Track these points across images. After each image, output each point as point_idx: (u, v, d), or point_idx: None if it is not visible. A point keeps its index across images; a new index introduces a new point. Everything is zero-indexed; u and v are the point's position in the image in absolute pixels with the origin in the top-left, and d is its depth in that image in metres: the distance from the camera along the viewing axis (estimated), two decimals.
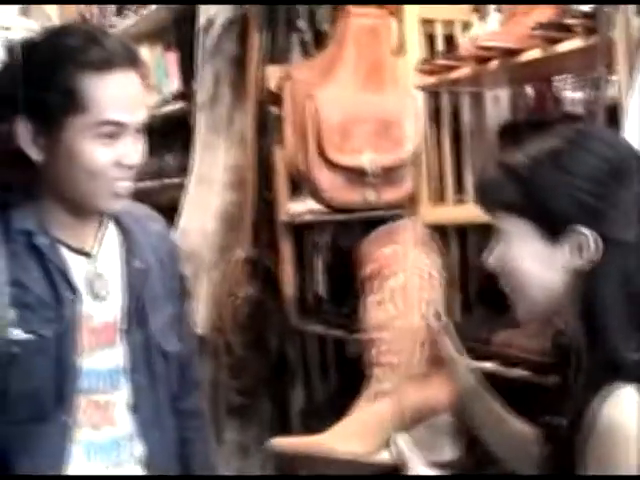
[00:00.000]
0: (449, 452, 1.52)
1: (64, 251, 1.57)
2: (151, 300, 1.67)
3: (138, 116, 1.54)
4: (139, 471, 1.65)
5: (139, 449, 1.65)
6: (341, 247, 3.38)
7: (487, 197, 1.39)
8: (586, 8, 1.95)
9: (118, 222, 1.67)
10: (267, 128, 3.15)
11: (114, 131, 1.51)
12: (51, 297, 1.53)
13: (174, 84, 3.95)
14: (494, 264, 1.38)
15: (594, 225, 1.27)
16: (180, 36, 3.87)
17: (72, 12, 4.65)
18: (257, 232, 3.20)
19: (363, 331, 1.62)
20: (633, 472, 1.17)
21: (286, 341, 3.19)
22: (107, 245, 1.64)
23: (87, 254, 1.61)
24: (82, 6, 4.63)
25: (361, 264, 1.66)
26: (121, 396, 1.62)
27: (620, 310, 1.25)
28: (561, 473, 1.30)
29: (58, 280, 1.54)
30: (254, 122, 3.15)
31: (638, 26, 1.85)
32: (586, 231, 1.27)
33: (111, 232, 1.66)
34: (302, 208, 3.08)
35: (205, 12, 3.39)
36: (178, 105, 3.81)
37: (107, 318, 1.61)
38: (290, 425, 3.20)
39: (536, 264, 1.31)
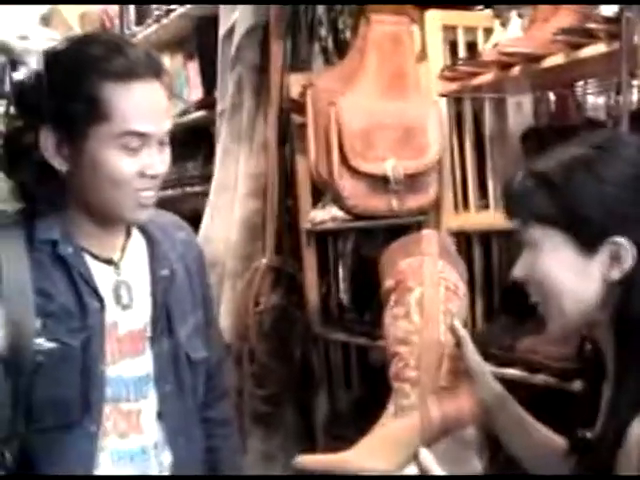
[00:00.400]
0: (475, 465, 1.50)
1: (89, 260, 1.58)
2: (178, 308, 1.68)
3: (162, 126, 1.54)
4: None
5: (167, 457, 1.66)
6: (364, 254, 3.39)
7: (518, 207, 1.34)
8: (609, 13, 1.94)
9: (143, 231, 1.67)
10: (289, 136, 3.16)
11: (138, 142, 1.51)
12: (76, 306, 1.54)
13: (196, 93, 3.96)
14: (524, 275, 1.34)
15: (629, 234, 1.23)
16: (201, 45, 3.88)
17: (93, 20, 4.68)
18: (280, 240, 3.21)
19: (385, 344, 1.60)
20: None
21: (310, 349, 3.19)
22: (132, 253, 1.65)
23: (113, 263, 1.61)
24: (103, 15, 4.65)
25: (382, 276, 1.64)
26: (148, 404, 1.63)
27: None
28: None
29: (83, 289, 1.55)
30: (276, 130, 3.15)
31: None
32: (622, 240, 1.23)
33: (136, 240, 1.67)
34: (325, 216, 3.08)
35: (226, 20, 3.41)
36: (200, 114, 3.82)
37: (133, 326, 1.62)
38: (314, 433, 3.20)
39: (570, 275, 1.27)
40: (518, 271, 1.35)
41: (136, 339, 1.62)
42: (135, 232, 1.67)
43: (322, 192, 3.09)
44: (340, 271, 3.39)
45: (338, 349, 3.34)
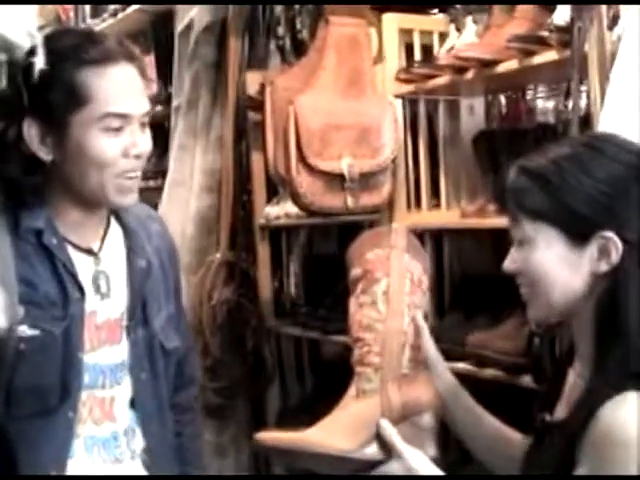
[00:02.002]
0: (431, 449, 1.54)
1: (71, 250, 1.61)
2: (153, 299, 1.71)
3: (142, 107, 1.57)
4: (138, 466, 1.69)
5: (139, 444, 1.69)
6: (317, 250, 3.44)
7: (511, 203, 1.38)
8: (561, 22, 2.02)
9: (121, 221, 1.71)
10: (245, 133, 3.20)
11: (119, 123, 1.54)
12: (58, 295, 1.57)
13: (151, 88, 3.97)
14: (516, 268, 1.39)
15: (616, 228, 1.28)
16: (157, 40, 3.89)
17: (49, 12, 4.64)
18: (234, 235, 3.24)
19: (348, 330, 1.64)
20: (631, 472, 1.18)
21: (262, 343, 3.23)
22: (111, 244, 1.68)
23: (92, 253, 1.64)
24: (59, 8, 4.63)
25: (350, 264, 1.68)
26: (122, 391, 1.66)
27: (638, 314, 1.27)
28: (544, 469, 1.33)
29: (65, 278, 1.58)
30: (233, 127, 3.18)
31: (611, 40, 1.92)
32: (611, 235, 1.29)
33: (115, 231, 1.70)
34: (279, 212, 3.13)
35: (183, 16, 3.43)
36: (155, 108, 3.83)
37: (111, 315, 1.65)
38: (266, 426, 3.24)
39: (562, 269, 1.32)
40: (509, 265, 1.40)
41: (113, 328, 1.65)
42: (113, 222, 1.70)
43: (277, 188, 3.14)
44: (293, 267, 3.44)
45: (290, 343, 3.38)
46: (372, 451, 1.49)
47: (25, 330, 1.53)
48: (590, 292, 1.32)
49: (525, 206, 1.35)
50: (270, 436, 1.52)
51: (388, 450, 1.47)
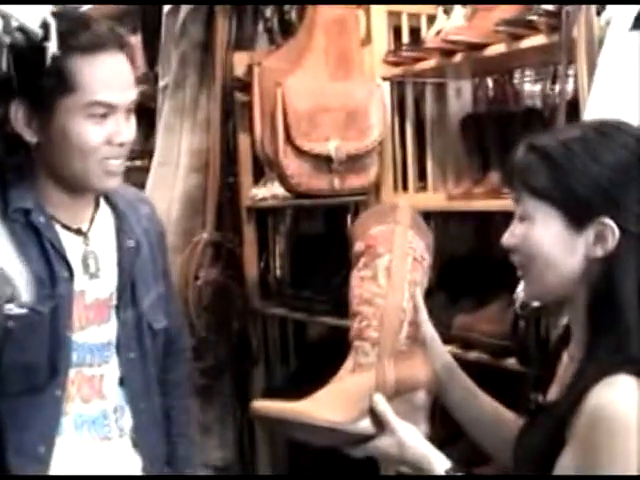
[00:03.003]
0: (422, 428, 1.55)
1: (59, 229, 1.62)
2: (141, 279, 1.73)
3: (128, 96, 1.58)
4: (126, 443, 1.71)
5: (127, 422, 1.71)
6: (303, 231, 3.45)
7: (516, 179, 1.39)
8: (549, 6, 2.03)
9: (110, 203, 1.72)
10: (233, 114, 3.19)
11: (104, 111, 1.55)
12: (46, 274, 1.58)
13: (138, 67, 3.96)
14: (514, 243, 1.39)
15: (616, 216, 1.29)
16: (145, 19, 3.87)
17: None
18: (221, 216, 3.24)
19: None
20: (617, 454, 1.20)
21: (248, 323, 3.24)
22: (100, 224, 1.69)
23: (81, 233, 1.66)
24: None
25: (353, 238, 1.67)
26: (110, 369, 1.68)
27: (632, 300, 1.28)
28: (533, 448, 1.35)
29: (54, 258, 1.59)
30: (220, 107, 3.18)
31: (599, 25, 1.93)
32: (609, 222, 1.29)
33: (104, 212, 1.71)
34: (265, 193, 3.13)
35: None
36: (141, 88, 3.81)
37: (100, 295, 1.67)
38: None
39: (558, 250, 1.33)
40: (508, 239, 1.41)
41: (102, 307, 1.67)
42: (102, 204, 1.71)
43: (263, 169, 3.14)
44: (279, 247, 3.45)
45: (276, 324, 3.40)
46: (365, 425, 1.50)
47: (13, 308, 1.54)
48: (584, 275, 1.33)
49: (529, 183, 1.35)
50: (264, 405, 1.52)
51: (381, 425, 1.49)
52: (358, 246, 1.65)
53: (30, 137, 1.57)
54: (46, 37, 1.50)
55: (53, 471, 1.61)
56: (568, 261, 1.34)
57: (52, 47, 1.49)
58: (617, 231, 1.29)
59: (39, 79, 1.52)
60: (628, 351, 1.26)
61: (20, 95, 1.55)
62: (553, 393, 1.42)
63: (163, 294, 1.81)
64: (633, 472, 1.20)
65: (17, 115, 1.56)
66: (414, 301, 1.60)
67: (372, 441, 1.49)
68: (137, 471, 1.74)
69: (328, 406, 1.49)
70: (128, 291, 1.70)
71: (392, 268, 1.59)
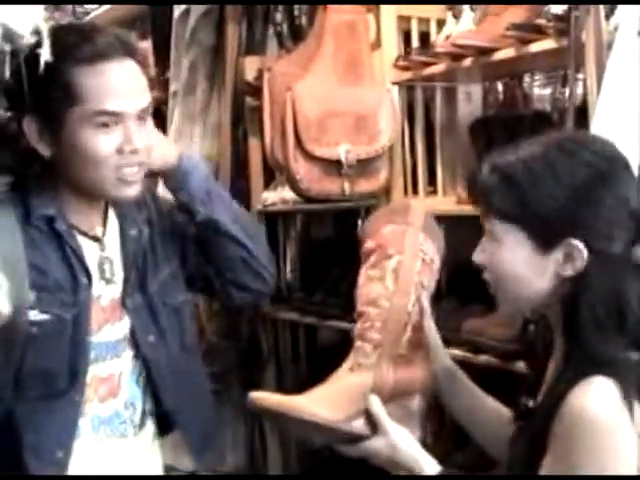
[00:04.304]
0: (416, 432, 1.55)
1: (79, 237, 1.64)
2: (149, 263, 1.74)
3: (138, 102, 1.58)
4: (142, 440, 1.74)
5: (138, 418, 1.73)
6: (313, 236, 3.45)
7: (481, 201, 1.39)
8: (558, 11, 2.03)
9: (115, 206, 1.73)
10: (243, 118, 3.20)
11: (112, 120, 1.55)
12: (68, 281, 1.60)
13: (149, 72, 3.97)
14: (482, 261, 1.40)
15: (583, 236, 1.29)
16: (155, 25, 3.88)
17: None
18: None
19: (354, 303, 1.64)
20: (596, 458, 1.21)
21: (258, 328, 3.24)
22: (111, 228, 1.71)
23: (97, 239, 1.68)
24: None
25: (364, 237, 1.67)
26: (123, 365, 1.70)
27: (602, 318, 1.29)
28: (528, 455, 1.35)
29: (75, 265, 1.61)
30: (231, 112, 3.19)
31: (607, 29, 1.93)
32: (577, 243, 1.29)
33: (111, 215, 1.73)
34: (276, 197, 3.13)
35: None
36: (152, 93, 3.81)
37: (115, 296, 1.69)
38: None
39: (526, 270, 1.33)
40: (478, 257, 1.41)
41: (116, 307, 1.69)
42: (110, 207, 1.72)
43: (274, 174, 3.14)
44: (290, 252, 3.45)
45: (286, 329, 3.39)
46: (358, 425, 1.50)
47: (36, 314, 1.56)
48: (556, 293, 1.34)
49: (494, 206, 1.35)
50: (261, 396, 1.52)
51: (375, 426, 1.49)
52: (368, 245, 1.65)
53: (43, 150, 1.59)
54: (38, 44, 1.52)
55: (71, 473, 1.62)
56: (538, 280, 1.34)
57: (45, 54, 1.50)
58: (585, 252, 1.29)
59: (47, 93, 1.54)
60: (603, 355, 1.27)
61: (31, 109, 1.56)
62: (540, 398, 1.42)
63: (178, 271, 1.80)
64: (615, 472, 1.21)
65: (30, 129, 1.58)
66: (420, 305, 1.59)
67: (365, 441, 1.49)
68: (157, 467, 1.77)
69: (323, 403, 1.49)
70: (134, 278, 1.71)
71: (400, 270, 1.59)
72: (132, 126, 1.57)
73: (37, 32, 1.50)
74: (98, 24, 1.68)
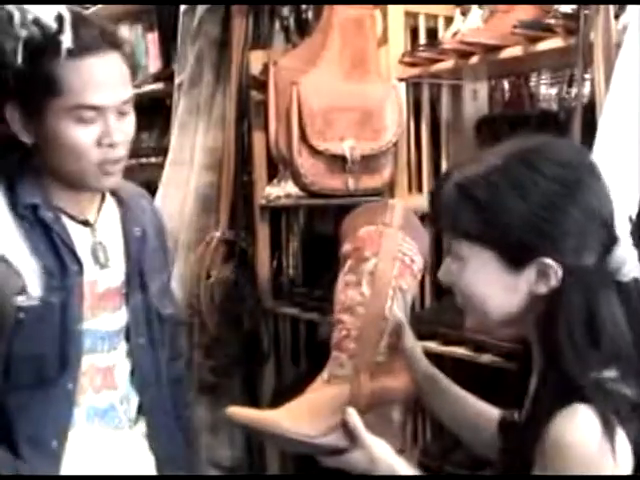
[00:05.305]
0: (396, 442, 1.51)
1: (68, 222, 1.65)
2: (149, 266, 1.76)
3: (119, 96, 1.59)
4: (136, 434, 1.74)
5: (134, 412, 1.73)
6: (316, 231, 3.44)
7: (444, 222, 1.31)
8: (567, 9, 2.02)
9: (115, 195, 1.75)
10: (248, 112, 3.19)
11: (92, 113, 1.56)
12: (56, 267, 1.60)
13: (154, 64, 3.97)
14: (450, 281, 1.33)
15: (555, 253, 1.22)
16: (161, 17, 3.88)
17: None
18: (234, 214, 3.24)
19: (332, 311, 1.62)
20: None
21: (259, 322, 3.24)
22: (107, 215, 1.72)
23: (89, 224, 1.68)
24: None
25: (342, 238, 1.64)
26: (119, 358, 1.71)
27: (578, 335, 1.22)
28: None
29: (63, 251, 1.61)
30: (235, 105, 3.18)
31: (616, 29, 1.91)
32: (548, 261, 1.23)
33: (110, 204, 1.74)
34: (279, 192, 3.13)
35: None
36: (157, 85, 3.82)
37: (111, 284, 1.70)
38: (259, 405, 3.25)
39: (496, 289, 1.27)
40: (443, 277, 1.35)
41: (114, 295, 1.70)
42: (108, 196, 1.74)
43: (277, 168, 3.14)
44: (292, 247, 3.44)
45: (287, 323, 3.39)
46: (334, 438, 1.46)
47: (24, 300, 1.56)
48: (530, 310, 1.27)
49: (458, 226, 1.27)
50: (240, 412, 1.51)
51: (353, 438, 1.45)
52: (346, 248, 1.61)
53: (27, 138, 1.60)
54: (60, 30, 1.51)
55: (66, 463, 1.62)
56: (509, 298, 1.27)
57: (66, 41, 1.49)
58: (558, 269, 1.23)
59: (29, 83, 1.54)
60: (581, 379, 1.21)
61: (15, 98, 1.57)
62: (524, 411, 1.36)
63: (168, 283, 1.87)
64: None
65: (13, 117, 1.59)
66: (394, 311, 1.55)
67: (343, 454, 1.46)
68: (150, 462, 1.76)
69: (299, 417, 1.46)
70: (136, 278, 1.73)
71: (376, 274, 1.55)
72: (112, 119, 1.58)
73: (60, 18, 1.49)
74: (84, 15, 1.65)
